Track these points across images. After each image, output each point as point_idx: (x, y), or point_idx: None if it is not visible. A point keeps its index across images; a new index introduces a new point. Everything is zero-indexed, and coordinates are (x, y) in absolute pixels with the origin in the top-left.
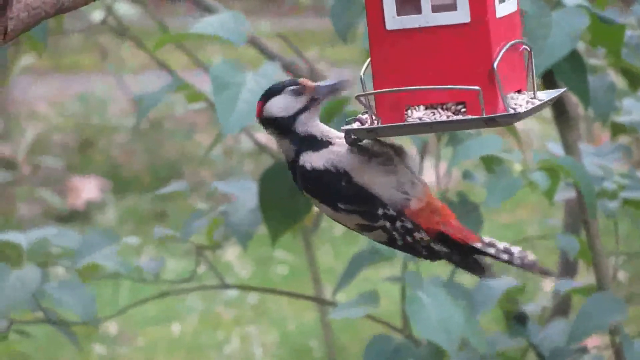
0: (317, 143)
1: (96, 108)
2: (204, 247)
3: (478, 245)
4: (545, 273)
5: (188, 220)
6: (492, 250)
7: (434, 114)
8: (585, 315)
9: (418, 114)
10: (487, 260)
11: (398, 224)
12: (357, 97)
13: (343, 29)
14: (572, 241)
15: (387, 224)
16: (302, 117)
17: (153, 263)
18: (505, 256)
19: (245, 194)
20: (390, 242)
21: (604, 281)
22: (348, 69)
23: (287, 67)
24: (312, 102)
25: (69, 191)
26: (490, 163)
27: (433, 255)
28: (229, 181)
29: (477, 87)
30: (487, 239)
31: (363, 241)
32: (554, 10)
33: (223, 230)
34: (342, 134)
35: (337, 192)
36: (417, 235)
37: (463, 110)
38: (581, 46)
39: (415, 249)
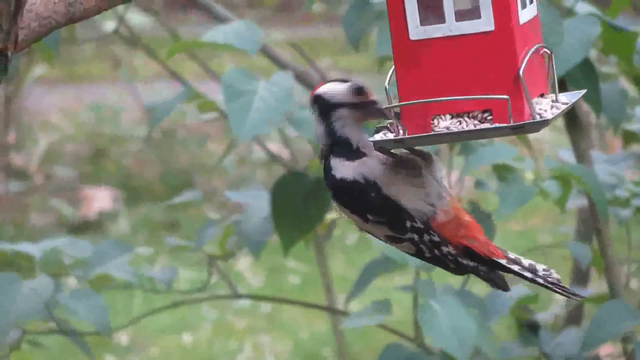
0: (350, 152)
1: (108, 117)
2: (216, 256)
3: (503, 262)
4: (568, 294)
5: (200, 230)
6: (516, 268)
7: (461, 123)
8: (598, 323)
9: (444, 123)
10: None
11: (426, 237)
12: (386, 109)
13: (355, 38)
14: (584, 249)
15: (415, 237)
16: (343, 112)
17: (166, 273)
18: (529, 274)
19: (257, 204)
20: (419, 254)
21: (616, 289)
22: (361, 77)
23: (299, 76)
24: (361, 105)
25: (81, 201)
26: (502, 171)
27: (461, 269)
28: (241, 191)
29: (505, 96)
30: (512, 255)
31: (376, 250)
32: (565, 18)
33: (235, 240)
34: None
35: (366, 203)
36: (445, 249)
37: (489, 117)
38: (593, 54)
39: (444, 262)
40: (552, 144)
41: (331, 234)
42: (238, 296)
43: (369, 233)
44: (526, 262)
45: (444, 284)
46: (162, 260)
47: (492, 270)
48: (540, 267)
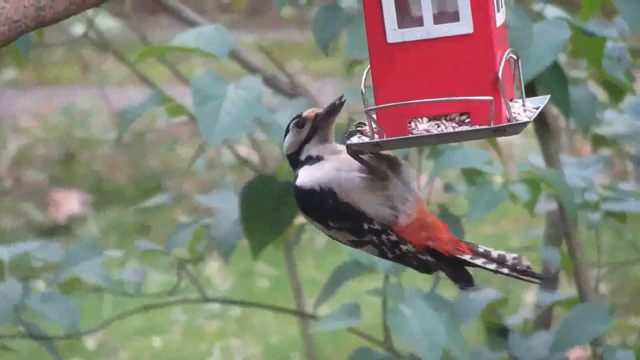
0: (310, 161)
1: (79, 121)
2: (186, 260)
3: (467, 257)
4: (537, 279)
5: (171, 234)
6: (480, 261)
7: (439, 126)
8: (568, 326)
9: (423, 126)
10: (471, 270)
11: (383, 237)
12: (367, 112)
13: (325, 42)
14: (554, 253)
15: (374, 238)
16: (306, 147)
17: (136, 276)
18: (492, 266)
19: (227, 207)
20: (382, 255)
21: (585, 293)
22: (331, 80)
23: (269, 80)
24: (313, 131)
25: (51, 204)
26: (472, 175)
27: (423, 266)
28: (211, 194)
29: (490, 98)
30: (481, 248)
31: (345, 254)
32: (535, 22)
33: (205, 243)
34: (337, 149)
35: (325, 209)
36: (403, 247)
37: (467, 120)
38: (562, 58)
39: (406, 261)
40: (522, 148)
41: (300, 237)
42: (209, 300)
43: (335, 239)
44: (495, 253)
45: (414, 288)
46: (132, 263)
47: (454, 267)
48: (509, 257)
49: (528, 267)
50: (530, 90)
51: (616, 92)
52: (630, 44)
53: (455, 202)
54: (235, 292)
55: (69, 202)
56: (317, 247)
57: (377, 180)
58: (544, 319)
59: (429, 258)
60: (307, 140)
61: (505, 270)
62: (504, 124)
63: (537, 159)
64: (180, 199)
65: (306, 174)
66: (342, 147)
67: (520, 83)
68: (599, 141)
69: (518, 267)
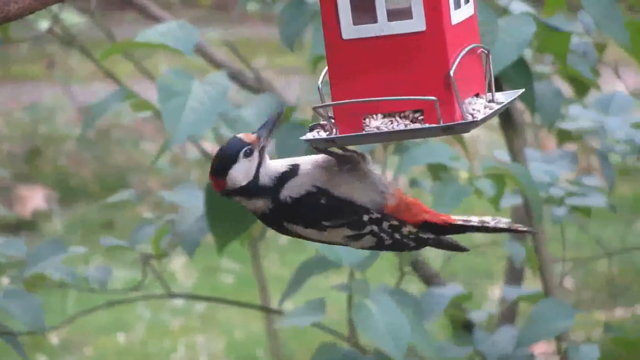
0: (287, 175)
1: (44, 117)
2: (150, 256)
3: (460, 222)
4: (522, 231)
5: (135, 230)
6: (473, 223)
7: (392, 123)
8: (532, 321)
9: (376, 123)
10: (437, 267)
11: (385, 224)
12: (315, 108)
13: (290, 38)
14: (519, 248)
15: (375, 228)
16: (262, 170)
17: (100, 272)
18: (482, 225)
19: (192, 203)
20: (379, 245)
21: (550, 288)
22: (296, 76)
23: (235, 76)
24: (262, 152)
25: (15, 200)
26: (437, 171)
27: (420, 244)
28: (176, 190)
29: (432, 98)
30: (459, 217)
31: (310, 250)
32: (500, 17)
33: (169, 239)
34: (302, 156)
35: (319, 211)
36: (405, 229)
37: (421, 118)
38: (528, 53)
39: (404, 244)
40: (487, 143)
41: (265, 233)
42: (173, 295)
43: (328, 242)
44: (475, 219)
45: (379, 283)
46: (96, 259)
47: (446, 238)
48: (488, 219)
49: (509, 224)
50: (496, 85)
51: (581, 87)
52: (595, 39)
53: (420, 197)
54: (199, 288)
55: (34, 198)
56: (282, 243)
57: (359, 169)
58: (508, 314)
59: (430, 235)
60: (260, 164)
61: (500, 226)
62: (453, 123)
63: (502, 154)
64: (145, 195)
65: (292, 185)
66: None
67: (491, 78)
68: (564, 136)
69: (501, 226)
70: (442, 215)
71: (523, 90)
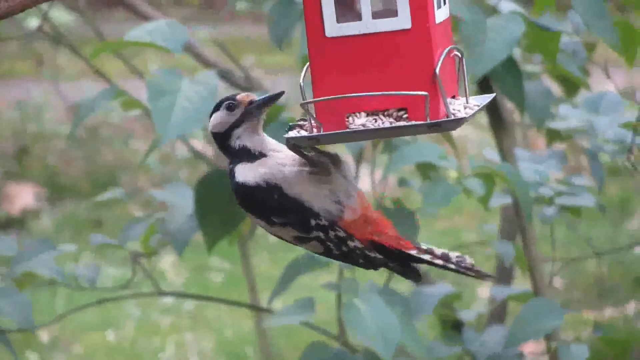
0: (250, 157)
1: (33, 115)
2: (140, 254)
3: (413, 252)
4: (482, 276)
5: (125, 228)
6: (427, 257)
7: (376, 121)
8: (522, 321)
9: (360, 121)
10: (425, 266)
11: (331, 233)
12: (303, 105)
13: (279, 36)
14: (509, 247)
15: (321, 234)
16: (236, 132)
17: (90, 270)
18: (439, 262)
19: (181, 201)
20: (327, 253)
21: (540, 287)
22: (285, 75)
23: (224, 75)
24: (245, 116)
25: (4, 198)
26: (426, 170)
27: (370, 264)
28: (165, 188)
29: (424, 93)
30: (424, 246)
31: (300, 249)
32: (490, 16)
33: (159, 238)
34: (279, 147)
35: (269, 205)
36: (351, 243)
37: (405, 116)
38: (517, 52)
39: (352, 258)
40: (477, 142)
41: (255, 232)
42: (163, 294)
43: (277, 236)
44: (439, 251)
45: (368, 282)
46: (86, 257)
47: (402, 264)
48: (453, 255)
49: (472, 265)
50: (485, 85)
51: (571, 86)
52: (584, 39)
53: (409, 197)
54: (189, 287)
55: (23, 196)
56: (271, 242)
57: (321, 175)
58: (498, 314)
59: (377, 255)
60: (237, 124)
61: (452, 267)
62: (440, 120)
63: (491, 154)
64: (135, 193)
65: (249, 170)
66: (274, 141)
67: (465, 81)
68: (553, 135)
69: (462, 265)
70: (402, 240)
71: (495, 95)
